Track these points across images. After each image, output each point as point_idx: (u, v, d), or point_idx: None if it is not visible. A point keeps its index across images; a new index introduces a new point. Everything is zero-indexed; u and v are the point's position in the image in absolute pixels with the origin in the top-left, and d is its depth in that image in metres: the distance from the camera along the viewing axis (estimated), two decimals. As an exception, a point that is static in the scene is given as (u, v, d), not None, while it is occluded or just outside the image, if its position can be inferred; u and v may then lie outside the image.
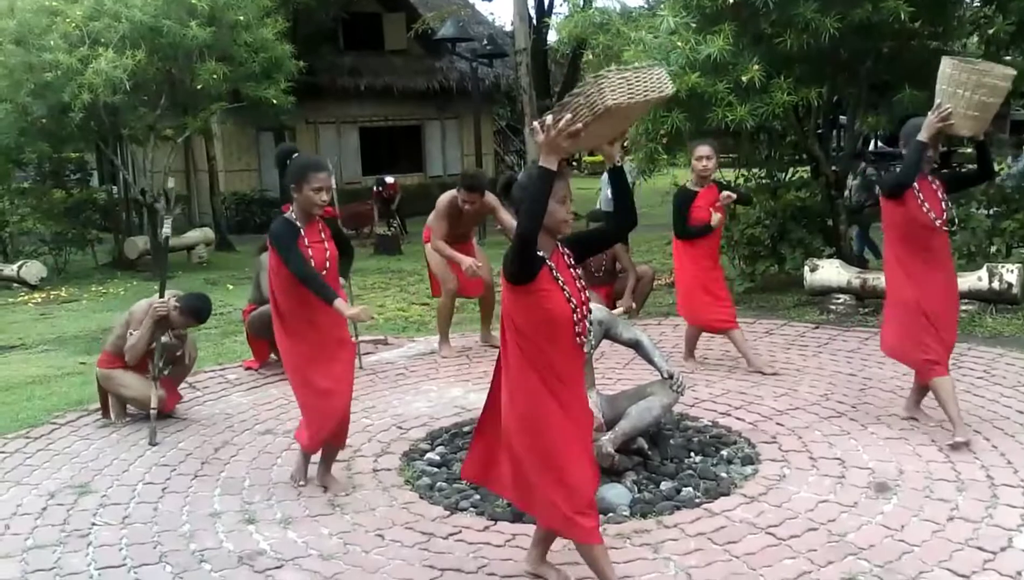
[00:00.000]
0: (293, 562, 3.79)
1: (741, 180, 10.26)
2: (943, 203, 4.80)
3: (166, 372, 5.72)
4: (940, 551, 3.61)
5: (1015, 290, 7.75)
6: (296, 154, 4.38)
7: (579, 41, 9.89)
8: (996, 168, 9.52)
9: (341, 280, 4.69)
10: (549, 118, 2.91)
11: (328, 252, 4.34)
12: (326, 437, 4.44)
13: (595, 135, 3.03)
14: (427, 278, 7.79)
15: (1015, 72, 4.60)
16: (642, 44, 7.84)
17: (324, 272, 4.27)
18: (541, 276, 3.07)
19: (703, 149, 6.26)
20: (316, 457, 4.65)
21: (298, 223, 4.27)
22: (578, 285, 3.20)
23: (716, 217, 6.25)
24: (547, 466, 3.18)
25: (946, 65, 4.58)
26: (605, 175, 10.57)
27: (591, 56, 9.33)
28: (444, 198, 7.11)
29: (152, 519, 4.27)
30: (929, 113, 4.58)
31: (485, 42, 18.78)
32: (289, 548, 3.92)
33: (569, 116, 2.86)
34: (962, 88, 4.50)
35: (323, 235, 4.37)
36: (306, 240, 4.25)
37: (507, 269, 3.07)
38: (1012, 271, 7.81)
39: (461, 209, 7.00)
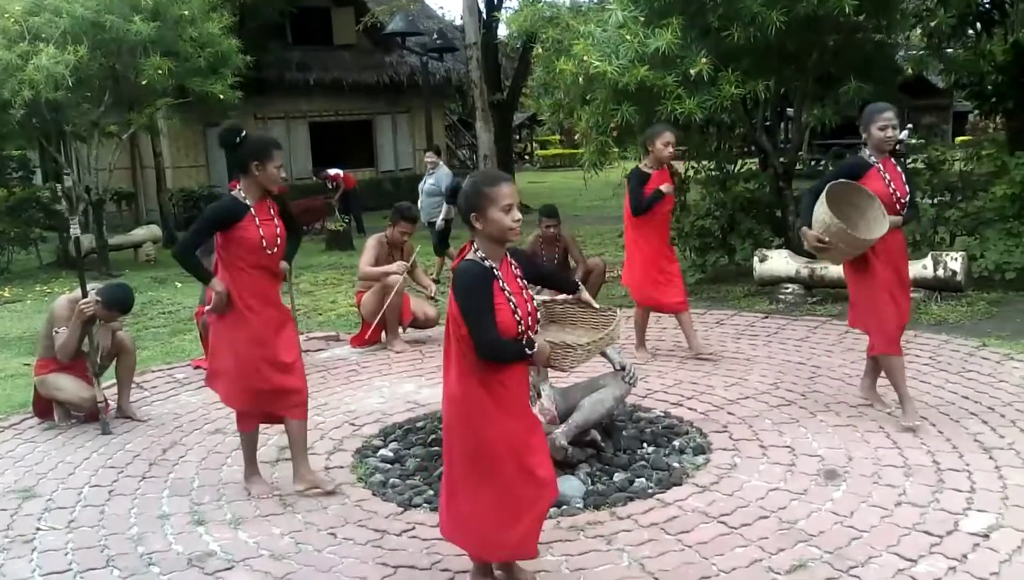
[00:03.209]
0: (244, 563, 3.74)
1: (691, 172, 10.35)
2: (906, 185, 4.88)
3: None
4: (888, 536, 3.67)
5: (959, 278, 7.90)
6: (245, 133, 4.31)
7: (529, 35, 9.88)
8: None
9: (283, 264, 4.60)
10: None
11: (279, 229, 4.33)
12: (252, 391, 4.30)
13: None
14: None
15: (877, 239, 4.68)
16: (591, 37, 7.87)
17: (275, 250, 4.29)
18: (494, 290, 3.07)
19: (669, 135, 6.29)
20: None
21: (248, 201, 4.23)
22: (524, 296, 3.19)
23: (667, 185, 6.30)
24: (480, 481, 3.17)
25: (821, 213, 4.65)
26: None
27: (541, 50, 9.30)
28: (372, 238, 7.56)
29: (99, 522, 4.19)
30: (809, 232, 4.74)
31: (435, 36, 18.65)
32: (240, 549, 3.87)
33: None
34: (835, 238, 4.63)
35: (272, 212, 4.34)
36: (256, 218, 4.23)
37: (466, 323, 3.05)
38: (956, 259, 7.96)
39: (392, 244, 7.38)
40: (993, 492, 4.02)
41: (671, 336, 6.99)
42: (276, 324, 4.36)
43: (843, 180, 4.81)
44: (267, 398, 4.36)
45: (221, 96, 13.20)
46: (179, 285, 11.26)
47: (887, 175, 4.81)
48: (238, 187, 4.29)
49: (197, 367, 6.82)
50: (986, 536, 3.61)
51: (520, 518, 3.20)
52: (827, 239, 4.66)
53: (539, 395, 4.69)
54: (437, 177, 10.77)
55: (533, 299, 3.25)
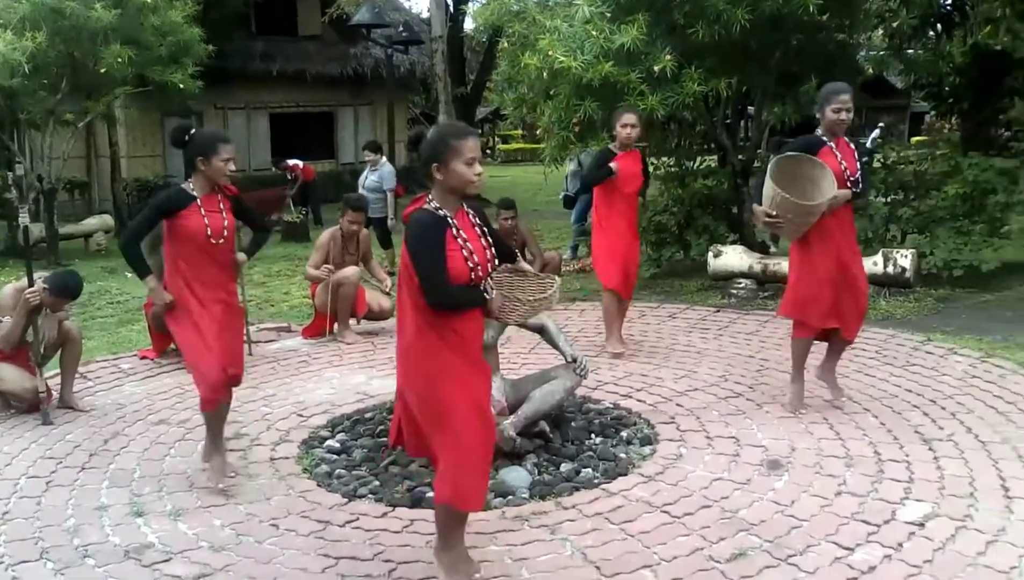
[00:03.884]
0: (182, 555, 3.67)
1: (651, 168, 10.38)
2: (857, 162, 4.92)
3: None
4: (827, 525, 3.70)
5: (908, 274, 8.02)
6: (193, 130, 4.36)
7: (495, 29, 9.86)
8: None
9: (241, 255, 4.64)
10: None
11: (226, 222, 4.33)
12: (216, 380, 4.25)
13: None
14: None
15: (825, 203, 4.68)
16: (557, 32, 7.86)
17: (221, 241, 4.31)
18: (446, 238, 3.08)
19: (628, 117, 6.27)
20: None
21: (195, 193, 4.28)
22: (482, 242, 3.21)
23: (614, 164, 6.21)
24: (447, 436, 3.18)
25: (767, 188, 4.68)
26: (572, 164, 10.66)
27: (506, 44, 9.29)
28: (324, 233, 7.53)
29: (34, 514, 4.09)
30: (757, 208, 4.82)
31: (401, 28, 18.56)
32: (179, 540, 3.81)
33: None
34: (781, 210, 4.66)
35: (222, 206, 4.35)
36: (202, 209, 4.26)
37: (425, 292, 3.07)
38: (906, 256, 8.07)
39: (345, 237, 7.34)
40: (931, 482, 4.07)
41: (624, 329, 6.99)
42: (224, 317, 4.34)
43: (792, 153, 4.81)
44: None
45: (181, 85, 13.03)
46: (128, 275, 11.04)
47: (839, 153, 4.85)
48: (189, 181, 4.35)
49: (143, 358, 6.73)
50: (922, 525, 3.66)
51: (482, 465, 3.26)
52: (774, 213, 4.69)
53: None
54: (381, 174, 10.59)
55: (492, 246, 3.25)
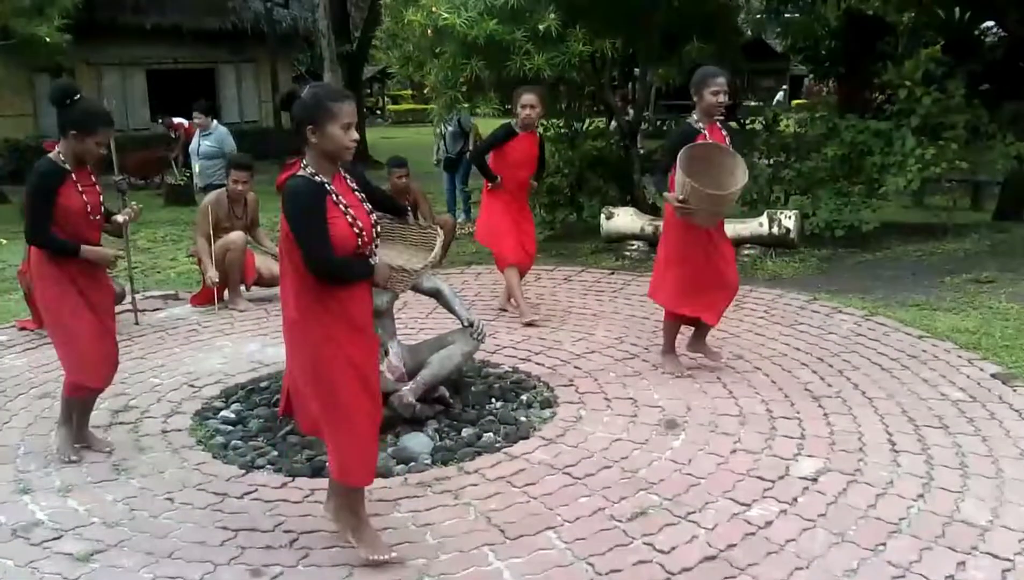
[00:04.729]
0: (73, 532, 3.55)
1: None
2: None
3: None
4: (724, 482, 3.81)
5: (792, 235, 8.29)
6: (79, 96, 4.02)
7: (378, -17, 9.69)
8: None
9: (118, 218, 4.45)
10: None
11: (101, 196, 4.15)
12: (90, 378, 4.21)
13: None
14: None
15: (737, 192, 4.77)
16: (441, -12, 7.74)
17: (98, 217, 4.13)
18: (326, 205, 2.99)
19: (527, 97, 6.21)
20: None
21: (67, 166, 4.01)
22: (365, 208, 3.15)
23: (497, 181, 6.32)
24: (333, 411, 3.14)
25: (678, 176, 4.67)
26: (451, 125, 10.52)
27: (390, 0, 9.11)
28: (209, 196, 7.28)
29: (-90, 496, 3.89)
30: (669, 195, 4.80)
31: (279, -19, 18.07)
32: (69, 517, 3.67)
33: None
34: (693, 198, 4.66)
35: (94, 178, 4.14)
36: (79, 185, 4.02)
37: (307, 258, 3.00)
38: (790, 217, 8.33)
39: (232, 199, 7.12)
40: (821, 438, 4.23)
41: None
42: (106, 299, 4.24)
43: (703, 142, 4.82)
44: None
45: (48, 39, 12.33)
46: (4, 241, 10.55)
47: (712, 141, 4.87)
48: (56, 149, 4.04)
49: (23, 329, 6.42)
50: (815, 480, 3.80)
51: (369, 441, 3.22)
52: (681, 197, 4.70)
53: (387, 352, 4.64)
54: (217, 137, 9.80)
55: (372, 212, 3.18)
